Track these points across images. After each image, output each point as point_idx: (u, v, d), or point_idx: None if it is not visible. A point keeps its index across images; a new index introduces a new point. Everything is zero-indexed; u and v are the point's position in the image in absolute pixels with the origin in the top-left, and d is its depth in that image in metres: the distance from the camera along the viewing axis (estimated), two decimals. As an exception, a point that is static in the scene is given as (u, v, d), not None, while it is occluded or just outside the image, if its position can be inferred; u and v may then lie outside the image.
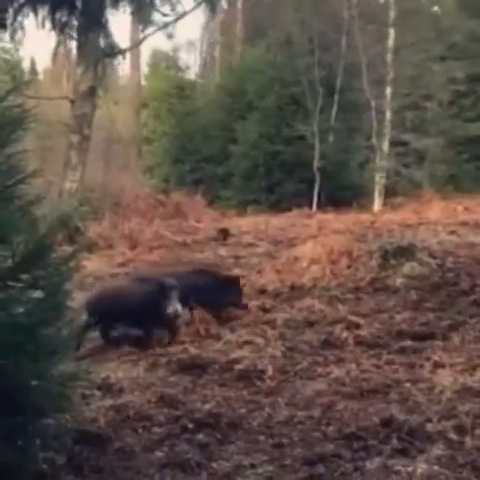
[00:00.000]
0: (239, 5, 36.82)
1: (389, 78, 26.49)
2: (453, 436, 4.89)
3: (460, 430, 4.96)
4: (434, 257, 12.76)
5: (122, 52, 21.87)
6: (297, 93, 27.52)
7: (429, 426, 5.05)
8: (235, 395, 6.10)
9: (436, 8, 31.34)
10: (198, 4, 22.10)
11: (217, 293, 8.88)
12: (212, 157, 30.46)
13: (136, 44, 28.84)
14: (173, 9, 21.86)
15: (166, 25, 22.75)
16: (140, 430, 5.30)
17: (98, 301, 8.50)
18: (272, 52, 29.66)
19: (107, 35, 19.94)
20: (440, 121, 26.75)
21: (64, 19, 19.93)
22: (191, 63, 42.70)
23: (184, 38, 57.85)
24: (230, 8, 38.12)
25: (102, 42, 19.79)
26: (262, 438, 5.12)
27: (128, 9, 20.78)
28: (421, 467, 4.41)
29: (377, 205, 25.89)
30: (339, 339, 7.77)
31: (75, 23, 20.01)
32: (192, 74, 40.14)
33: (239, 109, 29.45)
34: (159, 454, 4.88)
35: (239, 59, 34.05)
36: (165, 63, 36.05)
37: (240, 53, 34.74)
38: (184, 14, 22.39)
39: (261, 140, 27.49)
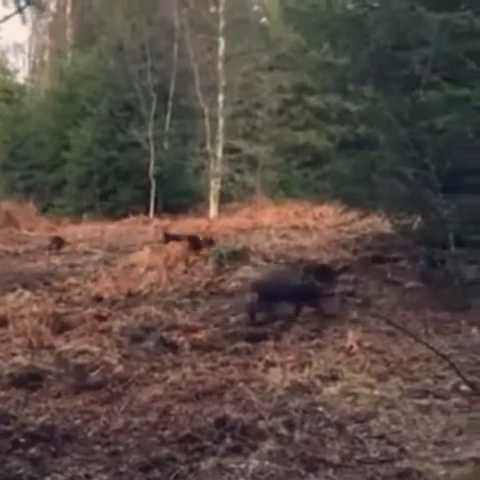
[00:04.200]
0: (68, 10, 35.95)
1: (221, 86, 27.03)
2: (283, 431, 5.11)
3: (290, 425, 5.20)
4: (267, 260, 13.26)
5: None
6: (130, 99, 27.37)
7: (261, 423, 5.24)
8: (70, 406, 5.98)
9: (264, 19, 32.32)
10: (19, 10, 21.26)
11: None
12: (44, 164, 29.57)
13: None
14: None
15: (-10, 27, 21.86)
16: (-33, 449, 5.07)
17: None
18: (104, 58, 29.29)
19: None
20: (270, 129, 27.69)
21: None
22: (20, 66, 41.18)
23: (11, 40, 55.42)
24: (59, 12, 37.18)
25: None
26: (98, 447, 5.06)
27: None
28: (253, 463, 4.58)
29: (213, 211, 26.30)
30: (175, 344, 7.86)
31: None
32: (21, 78, 38.76)
33: (71, 115, 28.77)
34: (-12, 472, 4.70)
35: (70, 64, 33.27)
36: (-9, 66, 34.61)
37: (71, 58, 33.98)
38: (8, 16, 21.52)
39: (95, 146, 27.02)
